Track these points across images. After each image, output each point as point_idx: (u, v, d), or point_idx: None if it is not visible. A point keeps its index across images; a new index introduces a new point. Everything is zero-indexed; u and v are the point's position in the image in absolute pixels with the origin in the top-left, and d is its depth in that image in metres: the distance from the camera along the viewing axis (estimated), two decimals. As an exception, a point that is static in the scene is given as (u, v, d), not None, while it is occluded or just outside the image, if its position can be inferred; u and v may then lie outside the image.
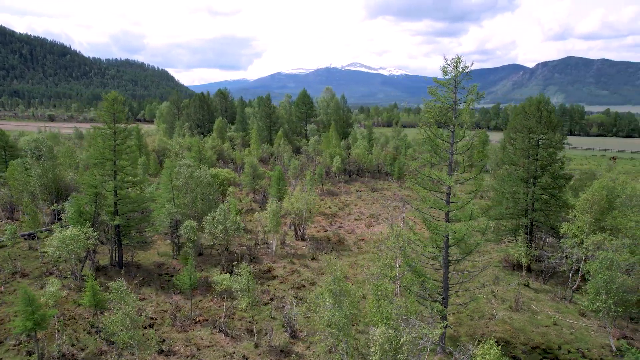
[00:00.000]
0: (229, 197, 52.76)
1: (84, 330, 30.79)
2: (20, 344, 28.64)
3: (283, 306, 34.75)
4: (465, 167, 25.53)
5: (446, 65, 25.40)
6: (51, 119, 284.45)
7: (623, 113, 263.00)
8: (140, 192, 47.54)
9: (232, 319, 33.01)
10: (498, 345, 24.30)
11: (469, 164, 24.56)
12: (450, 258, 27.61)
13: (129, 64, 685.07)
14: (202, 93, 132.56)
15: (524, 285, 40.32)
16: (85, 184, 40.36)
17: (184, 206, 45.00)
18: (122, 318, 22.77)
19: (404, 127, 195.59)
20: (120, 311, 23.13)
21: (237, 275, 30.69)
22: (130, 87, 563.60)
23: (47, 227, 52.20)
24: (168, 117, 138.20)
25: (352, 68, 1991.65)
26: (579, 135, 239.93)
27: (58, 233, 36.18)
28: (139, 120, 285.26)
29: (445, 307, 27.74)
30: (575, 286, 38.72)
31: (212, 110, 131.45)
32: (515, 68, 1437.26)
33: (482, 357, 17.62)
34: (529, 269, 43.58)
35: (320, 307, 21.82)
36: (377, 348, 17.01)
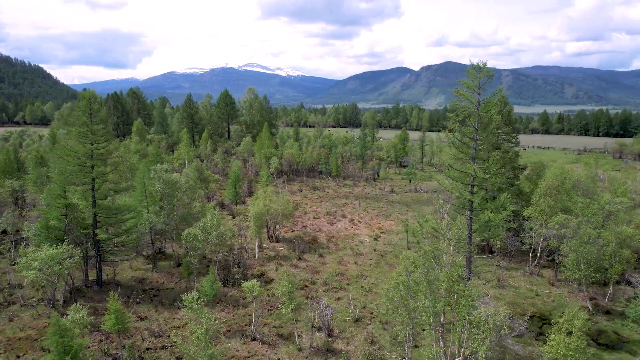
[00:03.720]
0: (198, 203, 49.78)
1: None
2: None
3: (298, 307, 34.48)
4: (495, 160, 28.39)
5: (472, 70, 27.90)
6: None
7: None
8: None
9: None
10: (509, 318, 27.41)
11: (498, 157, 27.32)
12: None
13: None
14: (115, 93, 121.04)
15: (496, 265, 45.38)
16: (51, 194, 35.10)
17: (162, 214, 41.51)
18: (203, 334, 20.73)
19: (312, 126, 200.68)
20: (201, 328, 21.03)
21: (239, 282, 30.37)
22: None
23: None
24: (73, 119, 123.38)
25: (249, 68, 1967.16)
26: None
27: (33, 254, 31.15)
28: (17, 123, 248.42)
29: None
30: (541, 261, 44.73)
31: (127, 112, 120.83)
32: (403, 71, 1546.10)
33: (568, 323, 20.20)
34: (492, 251, 49.00)
35: (398, 298, 22.61)
36: (489, 326, 18.52)
